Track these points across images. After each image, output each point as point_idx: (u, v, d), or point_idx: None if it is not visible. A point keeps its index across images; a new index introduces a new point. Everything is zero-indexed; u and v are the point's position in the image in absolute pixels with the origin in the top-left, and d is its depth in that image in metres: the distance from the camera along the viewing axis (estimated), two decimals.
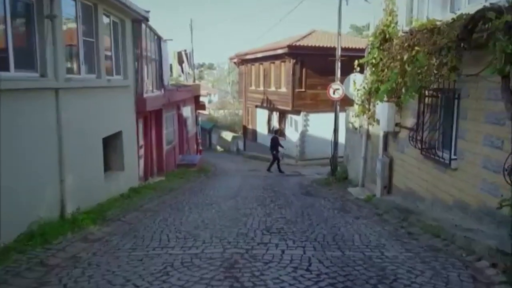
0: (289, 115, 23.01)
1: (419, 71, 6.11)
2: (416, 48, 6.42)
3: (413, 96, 6.56)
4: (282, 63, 22.33)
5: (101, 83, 8.05)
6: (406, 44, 6.94)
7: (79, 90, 7.12)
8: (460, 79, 5.75)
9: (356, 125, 11.59)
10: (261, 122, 26.18)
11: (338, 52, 14.26)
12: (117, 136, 9.25)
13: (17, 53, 5.17)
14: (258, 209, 7.58)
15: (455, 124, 6.27)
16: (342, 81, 14.33)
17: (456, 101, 6.21)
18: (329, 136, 21.80)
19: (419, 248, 4.88)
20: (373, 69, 9.08)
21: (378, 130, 10.68)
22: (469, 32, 5.12)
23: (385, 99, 8.85)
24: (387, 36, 8.77)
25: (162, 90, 12.57)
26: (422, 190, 7.52)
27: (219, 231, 5.68)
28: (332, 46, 20.60)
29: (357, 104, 11.07)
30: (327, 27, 23.45)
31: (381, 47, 8.72)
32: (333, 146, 14.78)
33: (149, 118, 12.31)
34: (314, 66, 21.17)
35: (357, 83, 12.20)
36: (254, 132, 27.05)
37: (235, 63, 29.97)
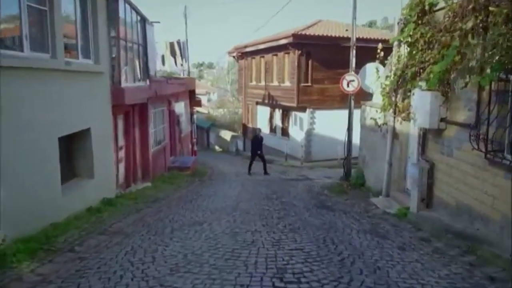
0: (294, 112, 21.04)
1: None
2: (491, 9, 4.48)
3: (494, 77, 4.59)
4: (286, 55, 20.36)
5: (57, 65, 6.09)
6: (470, 7, 4.98)
7: (21, 72, 5.19)
8: None
9: (380, 121, 9.64)
10: (262, 120, 24.17)
11: (354, 37, 12.32)
12: (83, 135, 7.31)
13: None
14: (263, 233, 5.64)
15: None
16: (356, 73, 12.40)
17: None
18: (337, 135, 20.04)
19: None
20: (409, 49, 7.12)
21: (408, 128, 8.74)
22: None
23: (424, 87, 6.93)
24: (426, 7, 6.85)
25: (148, 81, 10.63)
26: (485, 208, 5.56)
27: (206, 280, 3.74)
28: (342, 35, 18.74)
29: (383, 95, 9.12)
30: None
31: (420, 21, 6.78)
32: (347, 146, 12.84)
33: (132, 113, 10.38)
34: (321, 58, 19.22)
35: (379, 72, 10.36)
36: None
37: (234, 57, 28.01)
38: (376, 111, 9.90)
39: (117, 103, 8.63)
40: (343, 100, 20.32)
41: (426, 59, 6.32)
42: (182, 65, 17.02)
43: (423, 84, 6.82)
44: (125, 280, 3.81)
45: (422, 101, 6.77)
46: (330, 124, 19.88)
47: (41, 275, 4.14)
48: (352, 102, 12.67)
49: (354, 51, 12.44)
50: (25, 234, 4.96)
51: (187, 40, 17.92)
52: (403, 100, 8.63)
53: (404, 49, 7.50)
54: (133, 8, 9.80)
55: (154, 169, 12.11)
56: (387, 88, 9.22)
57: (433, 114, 6.59)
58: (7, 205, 4.66)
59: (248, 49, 23.89)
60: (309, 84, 19.50)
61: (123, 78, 8.81)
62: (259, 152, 15.49)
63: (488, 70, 4.69)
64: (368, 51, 13.03)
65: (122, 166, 10.19)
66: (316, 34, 18.75)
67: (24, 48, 5.40)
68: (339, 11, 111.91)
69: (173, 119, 15.49)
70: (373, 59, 11.66)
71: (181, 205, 8.54)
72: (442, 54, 5.70)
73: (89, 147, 7.47)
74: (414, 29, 6.76)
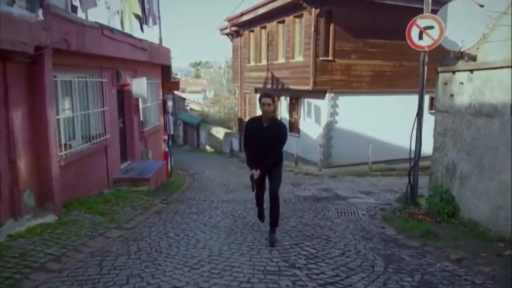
0: (306, 100, 15.50)
1: None
2: None
3: None
4: (297, 19, 14.84)
5: None
6: None
7: None
8: None
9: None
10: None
11: None
12: None
13: None
14: None
15: None
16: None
17: None
18: (368, 130, 14.41)
19: None
20: None
21: None
22: None
23: None
24: None
25: (41, 13, 5.23)
26: None
27: None
28: None
29: None
30: None
31: None
32: (417, 147, 7.39)
33: (0, 75, 4.96)
34: (347, 21, 13.71)
35: None
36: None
37: (227, 35, 22.46)
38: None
39: None
40: (375, 82, 14.94)
41: None
42: (147, 25, 11.55)
43: None
44: None
45: None
46: (358, 114, 14.47)
47: None
48: (426, 68, 7.23)
49: None
50: None
51: None
52: None
53: None
54: None
55: (73, 187, 6.66)
56: None
57: None
58: None
59: (244, 18, 18.27)
60: (331, 58, 13.95)
61: None
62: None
63: None
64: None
65: None
66: None
67: None
68: None
69: (128, 104, 10.03)
70: None
71: None
72: None
73: None
74: None
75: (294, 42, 15.11)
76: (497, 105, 5.55)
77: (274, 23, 16.36)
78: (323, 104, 14.46)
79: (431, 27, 6.92)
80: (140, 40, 10.00)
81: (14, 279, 3.61)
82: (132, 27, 11.57)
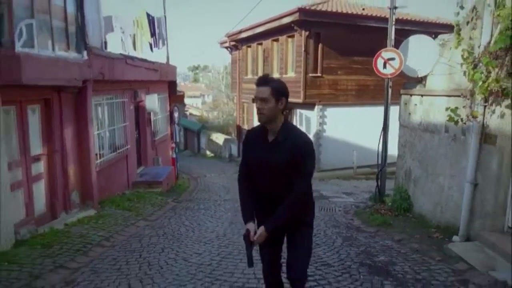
0: (298, 111, 17.21)
1: None
2: None
3: None
4: (290, 39, 16.55)
5: None
6: None
7: None
8: None
9: (463, 114, 5.92)
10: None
11: (394, 1, 8.61)
12: None
13: None
14: None
15: None
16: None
17: None
18: (353, 138, 16.24)
19: None
20: None
21: None
22: None
23: None
24: None
25: (85, 54, 6.85)
26: None
27: None
28: (360, 13, 15.04)
29: (470, 71, 5.39)
30: None
31: None
32: (382, 154, 9.07)
33: (58, 104, 6.58)
34: (334, 41, 15.41)
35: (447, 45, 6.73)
36: None
37: (227, 48, 24.18)
38: (448, 99, 6.19)
39: (7, 82, 4.85)
40: (359, 95, 16.63)
41: None
42: (157, 47, 13.19)
43: None
44: None
45: None
46: (344, 124, 16.13)
47: None
48: (390, 91, 8.90)
49: (394, 18, 8.68)
50: None
51: (165, 17, 14.08)
52: (510, 74, 4.94)
53: None
54: None
55: (104, 188, 8.29)
56: (471, 59, 5.54)
57: None
58: None
59: (243, 35, 20.00)
60: (319, 74, 15.67)
61: (21, 38, 5.04)
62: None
63: None
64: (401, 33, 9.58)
65: (41, 187, 6.38)
66: (329, 10, 14.96)
67: None
68: None
69: (143, 117, 11.68)
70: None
71: (118, 264, 4.74)
72: None
73: None
74: None
75: (287, 59, 16.81)
76: (437, 125, 7.18)
77: (269, 41, 18.07)
78: (312, 115, 16.15)
79: (393, 59, 8.59)
80: (153, 62, 11.63)
81: (83, 251, 5.22)
82: (143, 48, 13.27)
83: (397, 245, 5.75)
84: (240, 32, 20.14)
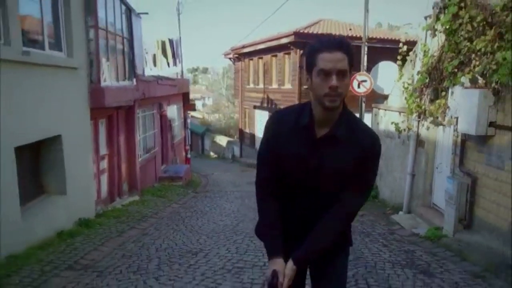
0: None
1: None
2: None
3: None
4: (286, 56, 19.09)
5: (10, 55, 4.77)
6: None
7: None
8: None
9: (402, 126, 8.41)
10: (260, 125, 22.88)
11: (366, 33, 11.10)
12: (52, 143, 6.00)
13: None
14: None
15: None
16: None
17: None
18: None
19: None
20: (449, 38, 5.85)
21: (437, 134, 7.54)
22: None
23: (468, 84, 5.71)
24: None
25: (134, 81, 9.32)
26: None
27: None
28: (347, 34, 17.55)
29: (409, 96, 7.88)
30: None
31: (463, 4, 5.55)
32: None
33: (116, 118, 9.05)
34: None
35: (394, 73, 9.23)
36: (252, 137, 23.74)
37: (230, 59, 26.73)
38: (399, 114, 8.67)
39: (96, 106, 7.32)
40: (349, 103, 18.99)
41: (477, 48, 5.07)
42: (175, 65, 15.69)
43: (466, 80, 5.60)
44: None
45: (466, 101, 5.52)
46: None
47: None
48: (364, 105, 11.41)
49: (366, 48, 11.20)
50: None
51: (180, 38, 16.59)
52: (431, 101, 7.41)
53: (439, 40, 6.27)
54: None
55: (143, 181, 10.77)
56: (410, 88, 8.02)
57: (481, 118, 5.34)
58: None
59: (245, 50, 22.59)
60: None
61: (103, 75, 7.51)
62: None
63: None
64: (378, 51, 12.00)
65: (104, 179, 8.86)
66: (320, 32, 17.51)
67: None
68: (338, 11, 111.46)
69: (165, 124, 14.17)
70: (383, 59, 10.80)
71: (171, 225, 7.22)
72: (507, 39, 4.45)
73: (60, 157, 6.15)
74: (457, 13, 5.51)
75: (284, 73, 19.34)
76: (393, 132, 9.67)
77: (269, 56, 20.61)
78: None
79: (365, 81, 11.08)
80: (173, 79, 14.13)
81: (143, 220, 7.67)
82: (162, 65, 15.80)
83: (360, 218, 8.25)
84: (243, 47, 22.69)
